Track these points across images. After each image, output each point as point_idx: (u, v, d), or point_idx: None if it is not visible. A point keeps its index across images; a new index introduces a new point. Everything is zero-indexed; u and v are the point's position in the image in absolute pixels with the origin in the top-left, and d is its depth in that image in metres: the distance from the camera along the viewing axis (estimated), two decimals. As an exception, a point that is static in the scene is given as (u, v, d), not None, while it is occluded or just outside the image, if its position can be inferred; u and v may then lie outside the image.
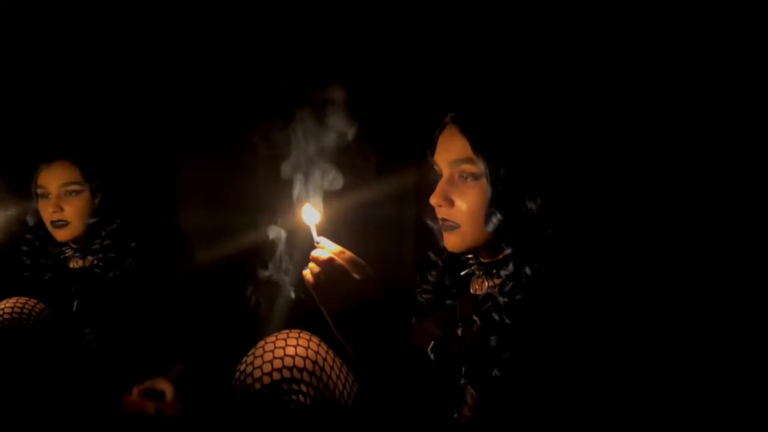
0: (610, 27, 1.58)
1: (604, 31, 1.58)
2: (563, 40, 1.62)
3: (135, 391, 1.51)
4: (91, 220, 1.66)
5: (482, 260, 1.15)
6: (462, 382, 1.07)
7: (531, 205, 1.07)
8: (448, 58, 1.78)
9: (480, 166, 1.08)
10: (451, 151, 1.13)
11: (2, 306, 1.51)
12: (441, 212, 1.14)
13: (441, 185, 1.13)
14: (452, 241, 1.13)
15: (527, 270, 1.06)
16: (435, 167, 1.18)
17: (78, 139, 1.76)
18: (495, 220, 1.07)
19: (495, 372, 1.01)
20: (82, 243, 1.70)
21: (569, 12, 1.62)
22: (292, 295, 1.23)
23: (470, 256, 1.18)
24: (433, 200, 1.13)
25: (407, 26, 1.81)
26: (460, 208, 1.11)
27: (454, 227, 1.12)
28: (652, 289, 1.30)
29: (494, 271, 1.13)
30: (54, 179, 1.67)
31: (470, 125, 1.11)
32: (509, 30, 1.70)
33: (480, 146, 1.09)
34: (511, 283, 1.07)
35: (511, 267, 1.08)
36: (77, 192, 1.66)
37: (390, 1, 1.82)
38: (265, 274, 1.22)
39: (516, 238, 1.08)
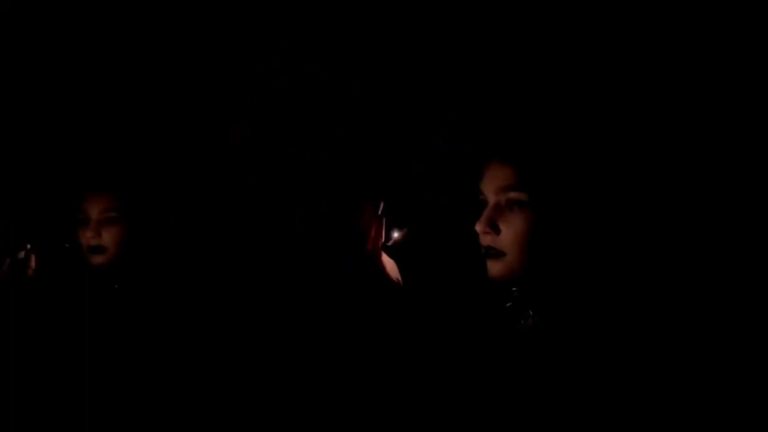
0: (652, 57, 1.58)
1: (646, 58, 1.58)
2: (603, 65, 1.62)
3: None
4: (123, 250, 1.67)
5: (524, 293, 1.15)
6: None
7: (578, 233, 1.07)
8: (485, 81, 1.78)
9: (526, 194, 1.08)
10: (497, 179, 1.12)
11: None
12: (486, 240, 1.12)
13: (487, 212, 1.12)
14: (497, 269, 1.12)
15: (575, 300, 1.06)
16: (480, 196, 1.18)
17: (117, 169, 1.82)
18: (543, 247, 1.07)
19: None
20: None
21: (606, 39, 1.62)
22: None
23: (514, 288, 1.17)
24: (479, 227, 1.12)
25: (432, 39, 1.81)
26: (506, 235, 1.10)
27: (499, 255, 1.11)
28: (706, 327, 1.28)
29: (539, 304, 1.12)
30: (95, 205, 1.66)
31: (515, 153, 1.11)
32: (550, 57, 1.70)
33: (526, 173, 1.09)
34: (557, 313, 1.07)
35: (557, 295, 1.08)
36: (115, 219, 1.66)
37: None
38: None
39: (563, 267, 1.07)
